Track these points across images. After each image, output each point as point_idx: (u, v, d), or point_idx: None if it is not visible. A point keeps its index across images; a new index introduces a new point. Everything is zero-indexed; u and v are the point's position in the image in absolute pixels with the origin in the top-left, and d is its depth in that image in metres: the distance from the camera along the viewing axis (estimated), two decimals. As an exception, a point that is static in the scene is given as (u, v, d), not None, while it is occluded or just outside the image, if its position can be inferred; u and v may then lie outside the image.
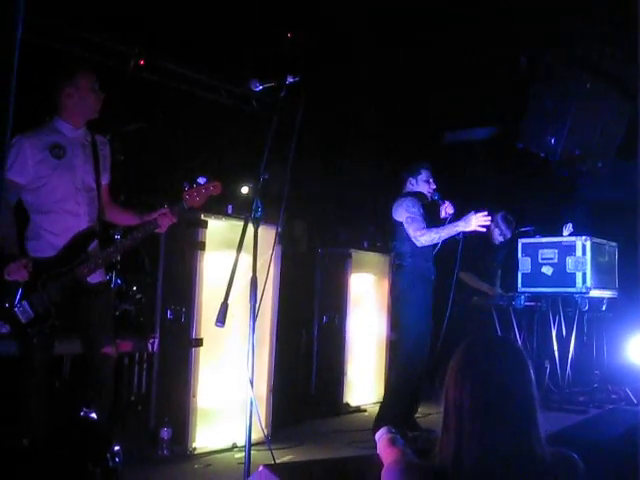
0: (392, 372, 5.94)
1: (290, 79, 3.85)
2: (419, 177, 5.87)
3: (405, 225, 5.67)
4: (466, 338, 2.24)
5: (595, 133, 7.56)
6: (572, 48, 7.55)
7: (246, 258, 3.73)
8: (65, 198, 4.00)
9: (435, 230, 5.57)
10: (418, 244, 5.62)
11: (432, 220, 5.75)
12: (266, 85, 3.98)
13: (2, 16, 1.87)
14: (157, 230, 4.13)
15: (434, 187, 5.85)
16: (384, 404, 5.79)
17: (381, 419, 5.46)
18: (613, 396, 7.21)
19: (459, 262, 5.66)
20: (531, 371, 2.15)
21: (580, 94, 7.39)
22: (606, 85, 7.53)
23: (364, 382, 7.39)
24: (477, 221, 5.47)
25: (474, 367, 2.13)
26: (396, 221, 5.77)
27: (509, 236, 7.51)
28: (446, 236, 5.58)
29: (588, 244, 6.88)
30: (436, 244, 5.72)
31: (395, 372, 5.87)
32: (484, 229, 5.64)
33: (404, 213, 5.68)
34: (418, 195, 5.84)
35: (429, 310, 5.66)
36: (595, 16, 7.16)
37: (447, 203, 5.74)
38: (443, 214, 5.75)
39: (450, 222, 5.63)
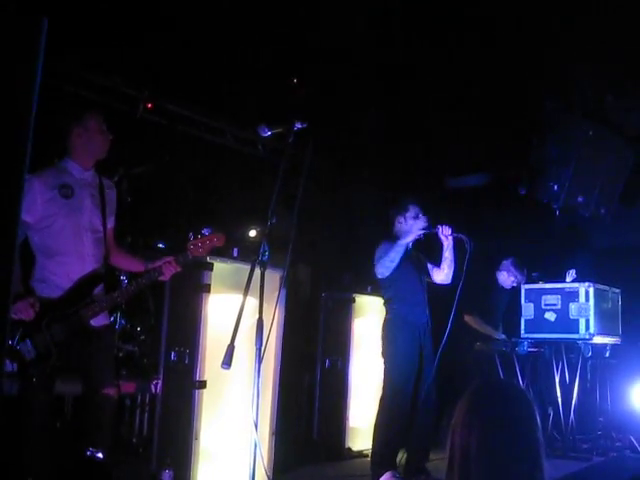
0: (377, 415, 5.88)
1: (298, 125, 3.91)
2: (407, 214, 5.77)
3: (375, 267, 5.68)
4: (472, 383, 2.26)
5: (598, 179, 7.62)
6: (574, 96, 7.64)
7: (251, 301, 3.75)
8: (71, 238, 4.04)
9: (383, 254, 5.56)
10: (379, 275, 5.62)
11: (435, 250, 5.74)
12: (274, 131, 4.04)
13: (23, 63, 1.93)
14: (160, 278, 4.17)
15: (425, 223, 5.71)
16: (372, 450, 5.78)
17: (373, 463, 5.54)
18: (617, 444, 7.17)
19: (456, 305, 5.46)
20: (537, 417, 2.16)
21: (582, 141, 7.46)
22: (608, 132, 7.61)
23: (367, 427, 7.33)
24: (417, 226, 5.57)
25: (483, 410, 2.15)
26: (376, 270, 5.75)
27: (523, 281, 7.52)
28: (395, 254, 5.50)
29: (591, 290, 6.89)
30: (422, 288, 5.73)
31: (378, 415, 5.81)
32: (423, 232, 5.63)
33: (376, 259, 5.68)
34: (388, 239, 5.76)
35: (412, 355, 5.59)
36: (596, 64, 7.27)
37: (440, 227, 5.61)
38: (443, 235, 5.63)
39: (451, 241, 5.61)
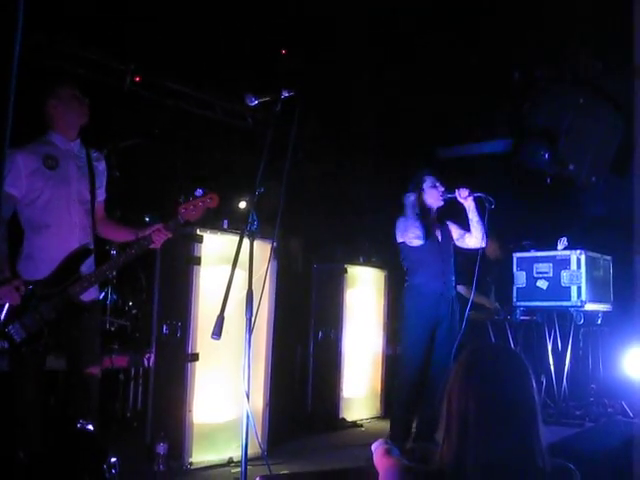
0: (394, 387, 5.87)
1: (285, 93, 3.87)
2: (424, 185, 5.67)
3: (403, 241, 5.63)
4: (465, 348, 2.26)
5: (589, 148, 7.61)
6: (565, 64, 7.61)
7: (242, 273, 3.74)
8: (59, 210, 4.00)
9: (405, 218, 5.55)
10: (415, 243, 5.52)
11: (460, 215, 5.66)
12: (261, 100, 3.99)
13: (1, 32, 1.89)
14: (151, 246, 4.12)
15: (442, 189, 5.65)
16: (391, 418, 5.76)
17: (391, 433, 5.48)
18: (609, 410, 7.20)
19: (476, 280, 5.42)
20: (533, 380, 2.17)
21: (573, 110, 7.44)
22: (599, 100, 7.58)
23: (360, 397, 7.38)
24: (435, 194, 5.60)
25: (479, 373, 2.15)
26: (397, 242, 5.73)
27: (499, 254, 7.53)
28: (412, 213, 5.49)
29: (583, 258, 6.90)
30: (441, 259, 5.62)
31: (395, 387, 5.81)
32: (441, 198, 5.63)
33: (399, 234, 5.65)
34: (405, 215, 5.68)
35: (427, 327, 5.48)
36: (587, 32, 7.24)
37: (457, 190, 5.52)
38: (462, 198, 5.52)
39: (472, 202, 5.51)
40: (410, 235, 5.52)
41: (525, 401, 2.12)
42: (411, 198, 5.56)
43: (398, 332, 5.81)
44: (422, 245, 5.54)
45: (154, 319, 5.32)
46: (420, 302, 5.53)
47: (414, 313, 5.53)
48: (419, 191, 5.66)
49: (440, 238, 5.71)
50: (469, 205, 5.53)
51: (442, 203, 5.68)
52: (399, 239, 5.67)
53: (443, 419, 2.18)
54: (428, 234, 5.57)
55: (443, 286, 5.59)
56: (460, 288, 7.32)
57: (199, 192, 4.11)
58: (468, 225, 5.64)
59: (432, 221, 5.70)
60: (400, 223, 5.65)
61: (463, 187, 5.51)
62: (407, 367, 5.54)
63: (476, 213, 5.53)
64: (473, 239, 5.64)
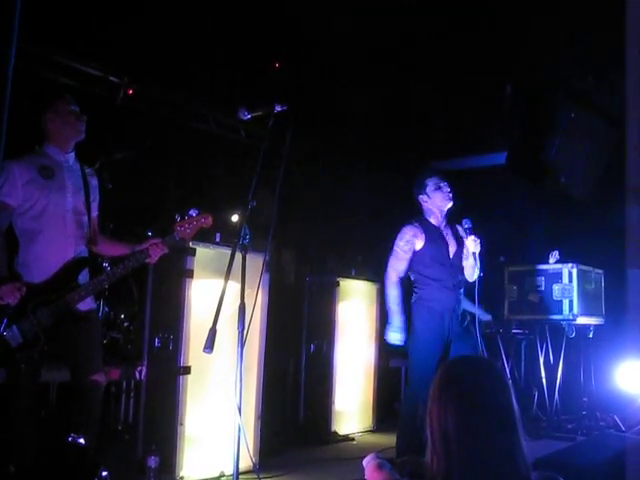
0: (404, 401, 5.55)
1: (278, 108, 3.89)
2: (428, 190, 5.36)
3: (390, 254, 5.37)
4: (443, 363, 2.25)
5: (581, 161, 7.65)
6: (557, 77, 7.66)
7: (234, 285, 3.75)
8: (54, 219, 4.03)
9: (392, 301, 5.29)
10: (385, 277, 5.34)
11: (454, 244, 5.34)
12: (255, 114, 4.01)
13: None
14: (147, 260, 4.15)
15: (449, 190, 5.33)
16: (397, 434, 5.39)
17: (397, 450, 5.22)
18: (601, 423, 7.22)
19: (477, 296, 5.21)
20: (510, 387, 2.16)
21: (565, 122, 7.48)
22: (591, 114, 7.63)
23: (352, 411, 7.37)
24: (441, 197, 5.30)
25: (456, 385, 2.15)
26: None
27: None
28: (389, 313, 5.30)
29: (574, 271, 6.93)
30: (451, 270, 5.27)
31: (402, 402, 5.62)
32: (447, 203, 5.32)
33: (396, 244, 5.33)
34: (423, 225, 5.34)
35: (440, 342, 5.16)
36: (579, 46, 7.28)
37: (464, 221, 5.29)
38: (460, 231, 5.35)
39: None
40: (388, 280, 5.31)
41: (504, 412, 2.12)
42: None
43: (407, 347, 5.38)
44: (431, 253, 5.26)
45: (146, 332, 5.31)
46: (432, 319, 5.19)
47: (427, 331, 5.18)
48: (424, 196, 5.37)
49: (450, 244, 5.35)
50: (470, 244, 5.23)
51: (451, 203, 5.34)
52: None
53: (428, 435, 2.18)
54: (438, 242, 5.30)
55: (455, 300, 5.27)
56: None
57: (194, 212, 4.14)
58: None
59: (441, 226, 5.38)
60: (398, 235, 5.34)
61: (478, 238, 5.21)
62: (421, 382, 5.03)
63: (476, 254, 5.23)
64: (466, 269, 5.34)
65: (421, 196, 5.39)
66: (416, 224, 5.34)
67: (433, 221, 5.38)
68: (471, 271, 5.31)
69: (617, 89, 7.62)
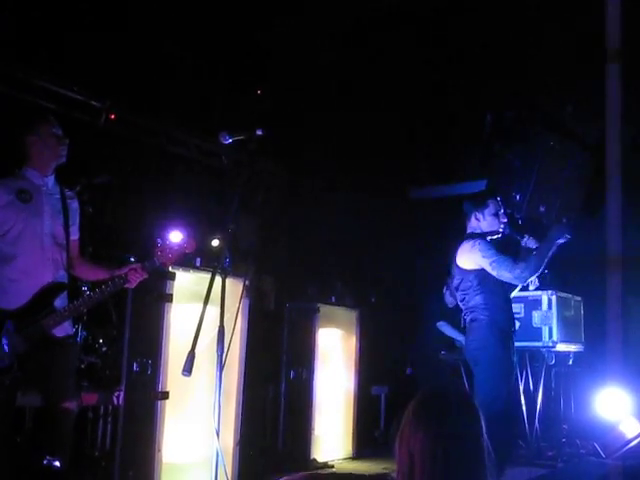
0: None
1: (259, 132, 3.89)
2: (486, 211, 5.20)
3: (492, 271, 4.97)
4: (418, 392, 2.24)
5: (559, 189, 7.70)
6: (535, 107, 7.74)
7: (214, 310, 3.73)
8: (31, 242, 3.99)
9: (532, 258, 4.94)
10: (521, 282, 5.05)
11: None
12: (235, 138, 4.01)
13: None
14: (126, 285, 4.11)
15: (505, 220, 5.23)
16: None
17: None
18: (581, 450, 7.19)
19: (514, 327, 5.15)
20: (482, 424, 2.15)
21: (544, 151, 7.54)
22: (569, 142, 7.70)
23: (332, 438, 7.34)
24: (496, 224, 5.15)
25: (427, 412, 2.14)
26: (463, 270, 5.14)
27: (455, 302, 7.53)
28: (545, 257, 4.94)
29: (554, 298, 6.96)
30: (509, 292, 5.16)
31: (490, 424, 5.25)
32: (502, 231, 5.20)
33: (481, 260, 5.00)
34: (482, 236, 5.17)
35: (510, 371, 5.02)
36: (557, 76, 7.39)
37: (527, 237, 5.22)
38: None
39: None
40: (525, 274, 4.95)
41: (470, 446, 2.11)
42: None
43: (476, 381, 5.14)
44: (493, 277, 5.02)
45: (124, 356, 5.26)
46: (504, 342, 4.99)
47: (500, 358, 4.97)
48: (479, 214, 5.21)
49: None
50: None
51: (499, 236, 5.25)
52: (476, 265, 5.08)
53: (396, 453, 2.17)
54: None
55: (513, 319, 5.21)
56: (441, 324, 7.41)
57: (176, 237, 4.11)
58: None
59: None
60: (474, 250, 5.05)
61: (532, 237, 5.18)
62: (497, 422, 4.48)
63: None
64: (522, 278, 5.04)
65: (476, 213, 5.23)
66: (478, 237, 5.15)
67: None
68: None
69: (595, 118, 7.73)
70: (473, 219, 5.24)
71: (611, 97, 4.52)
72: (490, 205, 5.22)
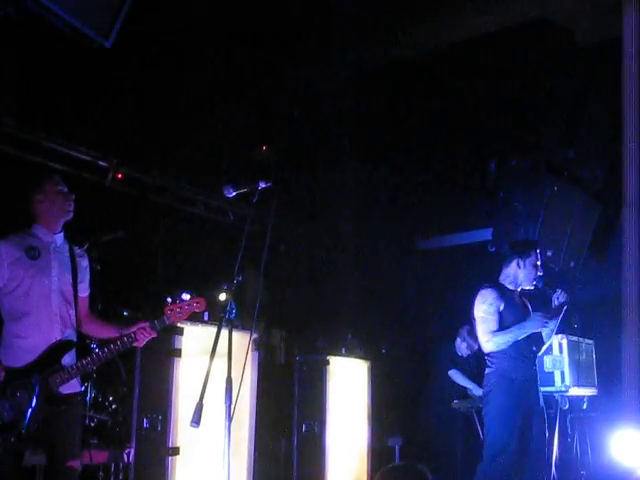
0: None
1: (262, 184, 3.93)
2: (528, 260, 5.28)
3: (476, 323, 5.19)
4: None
5: (566, 233, 7.72)
6: (538, 153, 7.81)
7: (222, 363, 3.73)
8: (39, 299, 4.02)
9: (504, 332, 5.05)
10: (484, 349, 5.15)
11: (540, 309, 5.26)
12: (239, 191, 4.06)
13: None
14: (135, 344, 4.12)
15: (540, 275, 5.29)
16: None
17: None
18: (600, 496, 7.10)
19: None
20: None
21: (548, 196, 7.58)
22: (573, 187, 7.75)
23: (347, 491, 7.25)
24: (542, 320, 5.11)
25: None
26: (474, 318, 5.26)
27: (476, 348, 7.50)
28: (514, 338, 5.04)
29: (565, 342, 6.91)
30: (528, 340, 5.14)
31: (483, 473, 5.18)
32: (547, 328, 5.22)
33: (478, 310, 5.17)
34: (500, 288, 5.27)
35: (512, 417, 5.02)
36: (559, 122, 7.47)
37: (559, 291, 5.22)
38: (556, 303, 5.24)
39: (558, 311, 5.18)
40: (488, 344, 5.10)
41: None
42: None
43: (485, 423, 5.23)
44: (510, 319, 5.13)
45: (134, 413, 5.26)
46: (510, 389, 5.06)
47: (503, 403, 5.04)
48: (521, 262, 5.28)
49: (523, 317, 5.22)
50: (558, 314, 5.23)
51: (531, 288, 5.32)
52: (474, 314, 5.24)
53: None
54: (516, 308, 5.22)
55: (534, 371, 5.22)
56: (451, 372, 7.40)
57: (186, 296, 4.14)
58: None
59: (516, 298, 5.33)
60: (481, 299, 5.19)
61: (564, 292, 5.21)
62: (502, 453, 4.97)
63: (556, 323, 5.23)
64: (485, 346, 5.20)
65: (519, 260, 5.29)
66: (493, 287, 5.25)
67: (510, 286, 5.33)
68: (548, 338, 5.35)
69: (598, 164, 7.80)
70: (514, 264, 5.32)
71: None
72: (532, 255, 5.29)
